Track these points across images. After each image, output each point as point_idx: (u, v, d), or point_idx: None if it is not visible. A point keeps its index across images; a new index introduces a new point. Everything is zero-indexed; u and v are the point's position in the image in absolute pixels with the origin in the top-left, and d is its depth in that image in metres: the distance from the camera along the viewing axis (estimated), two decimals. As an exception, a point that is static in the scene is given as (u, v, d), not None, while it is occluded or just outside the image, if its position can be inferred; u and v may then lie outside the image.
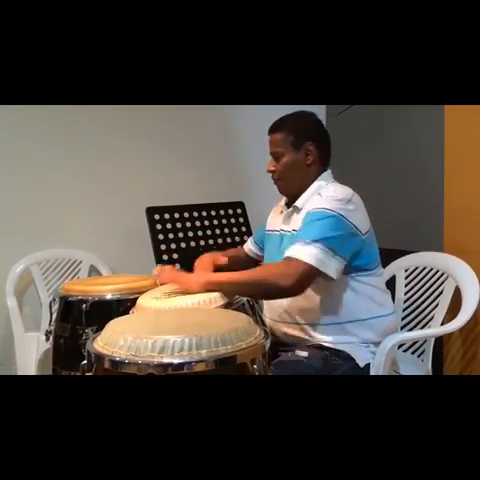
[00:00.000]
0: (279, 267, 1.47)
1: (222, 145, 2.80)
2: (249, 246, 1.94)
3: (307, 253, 1.42)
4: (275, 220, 1.77)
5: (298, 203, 1.62)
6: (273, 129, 1.66)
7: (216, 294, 1.39)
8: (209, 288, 1.43)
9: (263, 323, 1.56)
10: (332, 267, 1.44)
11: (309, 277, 1.43)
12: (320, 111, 1.74)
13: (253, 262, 1.90)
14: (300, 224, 1.56)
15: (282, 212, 1.73)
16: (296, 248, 1.45)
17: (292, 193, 1.67)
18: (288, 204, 1.71)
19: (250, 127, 2.77)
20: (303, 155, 1.63)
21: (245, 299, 1.45)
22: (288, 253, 1.46)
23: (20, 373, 2.25)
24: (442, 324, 1.77)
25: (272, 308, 1.67)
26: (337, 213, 1.48)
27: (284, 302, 1.59)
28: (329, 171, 1.68)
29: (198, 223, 2.54)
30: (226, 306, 1.37)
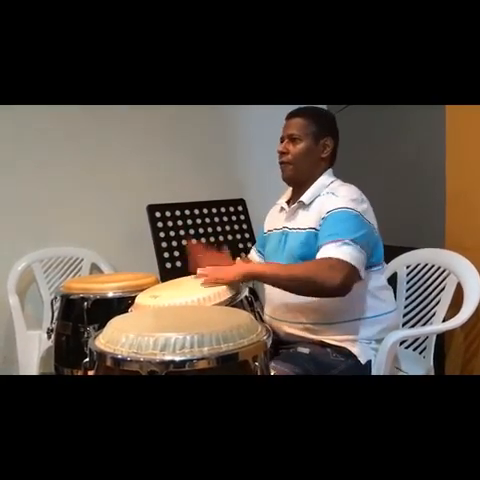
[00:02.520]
0: (323, 266, 1.42)
1: (223, 143, 2.80)
2: (255, 257, 1.90)
3: (347, 253, 1.41)
4: (275, 219, 1.75)
5: (304, 198, 1.61)
6: (296, 113, 1.65)
7: (215, 291, 1.38)
8: (249, 278, 1.47)
9: (261, 320, 1.55)
10: (364, 265, 1.47)
11: (353, 277, 1.43)
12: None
13: None
14: (310, 222, 1.55)
15: (282, 210, 1.72)
16: (333, 248, 1.42)
17: (296, 180, 1.66)
18: (289, 202, 1.71)
19: (250, 126, 2.77)
20: (320, 147, 1.63)
21: (244, 296, 1.44)
22: (326, 253, 1.43)
23: (22, 371, 2.25)
24: (444, 321, 1.77)
25: (274, 306, 1.66)
26: (358, 212, 1.49)
27: (287, 300, 1.58)
28: (331, 169, 1.68)
29: (199, 221, 2.54)
30: (225, 303, 1.37)
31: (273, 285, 1.51)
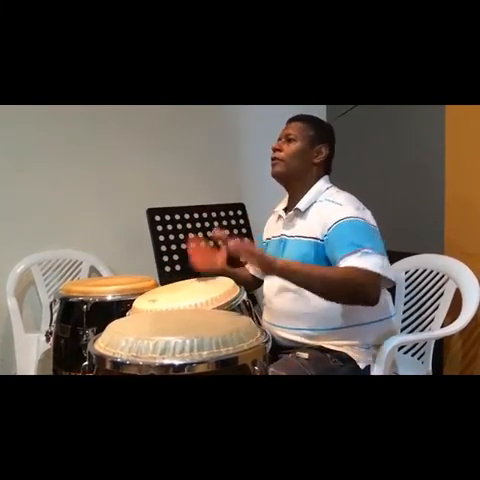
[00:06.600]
0: (360, 274, 1.40)
1: (223, 146, 2.80)
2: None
3: (372, 262, 1.41)
4: (273, 227, 1.76)
5: (300, 206, 1.62)
6: (297, 118, 1.69)
7: (213, 296, 1.37)
8: (281, 271, 1.44)
9: (259, 324, 1.54)
10: (391, 272, 1.48)
11: (381, 287, 1.45)
12: (320, 112, 1.75)
13: (257, 282, 1.83)
14: (312, 231, 1.55)
15: (280, 218, 1.73)
16: (355, 259, 1.41)
17: (284, 177, 1.66)
18: (286, 209, 1.71)
19: (251, 127, 2.78)
20: (314, 152, 1.65)
21: (241, 300, 1.42)
22: (355, 263, 1.41)
23: (20, 374, 2.24)
24: (442, 326, 1.77)
25: (272, 313, 1.66)
26: (365, 220, 1.51)
27: (285, 307, 1.58)
28: (327, 176, 1.69)
29: (199, 225, 2.54)
30: (223, 308, 1.36)
31: (301, 284, 1.46)
